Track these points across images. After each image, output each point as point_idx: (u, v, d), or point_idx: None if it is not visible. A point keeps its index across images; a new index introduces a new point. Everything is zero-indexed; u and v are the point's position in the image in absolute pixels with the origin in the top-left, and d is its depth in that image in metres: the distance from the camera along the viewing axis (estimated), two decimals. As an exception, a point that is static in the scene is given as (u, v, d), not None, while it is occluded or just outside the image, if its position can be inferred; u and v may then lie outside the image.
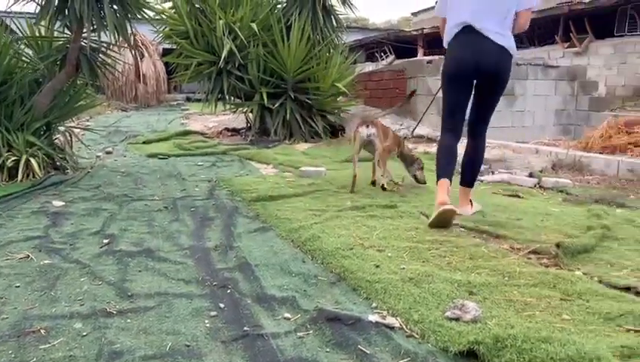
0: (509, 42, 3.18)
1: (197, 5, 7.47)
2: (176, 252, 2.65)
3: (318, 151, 6.46)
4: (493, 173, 5.39)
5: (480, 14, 3.15)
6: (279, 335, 1.74)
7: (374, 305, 1.97)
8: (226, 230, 3.04)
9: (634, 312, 1.80)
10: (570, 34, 13.67)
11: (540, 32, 15.17)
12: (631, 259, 2.46)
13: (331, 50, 7.84)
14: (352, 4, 7.79)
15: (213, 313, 1.91)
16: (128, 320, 1.85)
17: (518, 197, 4.21)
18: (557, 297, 2.00)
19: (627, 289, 2.10)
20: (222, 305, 1.98)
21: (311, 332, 1.76)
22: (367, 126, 4.19)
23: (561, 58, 13.78)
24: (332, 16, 7.88)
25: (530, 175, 5.06)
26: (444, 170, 3.32)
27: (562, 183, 4.57)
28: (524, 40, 15.76)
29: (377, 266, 2.33)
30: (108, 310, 1.92)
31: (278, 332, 1.76)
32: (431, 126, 7.49)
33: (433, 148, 6.75)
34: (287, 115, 7.21)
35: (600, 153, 5.84)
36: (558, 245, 2.55)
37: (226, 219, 3.27)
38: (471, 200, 3.50)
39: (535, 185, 4.64)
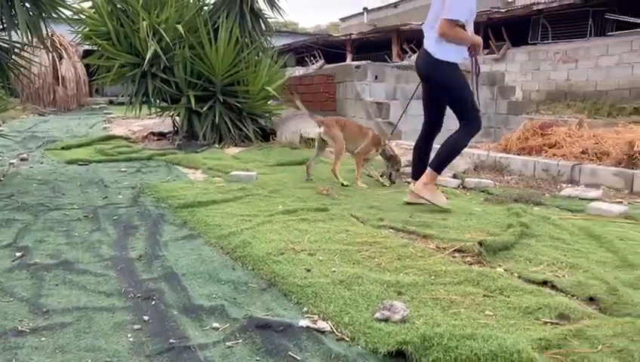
0: (432, 46, 3.55)
1: (118, 5, 7.17)
2: (97, 263, 2.51)
3: (249, 155, 6.39)
4: (420, 174, 5.55)
5: (425, 25, 3.71)
6: (207, 346, 1.68)
7: (305, 309, 1.96)
8: (151, 238, 2.92)
9: (550, 305, 1.90)
10: (490, 41, 14.40)
11: (461, 39, 15.86)
12: (547, 255, 2.60)
13: (260, 54, 7.79)
14: (280, 8, 7.79)
15: (136, 326, 1.82)
16: (42, 339, 1.72)
17: (444, 197, 4.36)
18: (480, 294, 2.07)
19: (544, 283, 2.21)
20: (146, 318, 1.89)
21: (240, 341, 1.72)
22: (319, 126, 4.66)
23: (482, 64, 14.44)
24: (260, 20, 7.84)
25: (454, 176, 5.25)
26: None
27: (484, 183, 4.78)
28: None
29: (308, 270, 2.32)
30: (20, 328, 1.79)
31: (205, 343, 1.70)
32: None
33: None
34: (217, 119, 7.07)
35: (518, 154, 6.17)
36: (480, 243, 2.65)
37: (151, 228, 3.14)
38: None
39: (459, 186, 4.82)
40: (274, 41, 8.60)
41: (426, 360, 1.49)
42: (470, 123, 3.68)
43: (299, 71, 20.02)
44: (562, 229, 3.14)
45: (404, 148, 6.73)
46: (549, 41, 13.44)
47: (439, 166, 3.74)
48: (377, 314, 1.83)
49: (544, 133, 6.61)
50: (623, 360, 1.52)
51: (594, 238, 2.93)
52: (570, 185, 4.91)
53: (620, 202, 4.13)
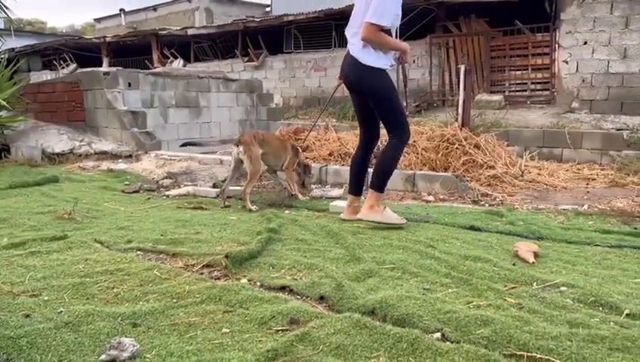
0: (358, 52, 3.36)
1: None
2: None
3: (-29, 179, 5.37)
4: (179, 186, 5.40)
5: (348, 30, 3.49)
6: None
7: (14, 367, 1.67)
8: None
9: (283, 312, 1.98)
10: (248, 49, 14.92)
11: (222, 45, 16.11)
12: (289, 258, 2.73)
13: (-16, 58, 6.65)
14: (3, 5, 6.73)
15: None
16: None
17: (202, 209, 4.30)
18: (221, 311, 2.05)
19: (282, 288, 2.31)
20: None
21: None
22: (237, 145, 4.28)
23: (243, 71, 14.92)
24: (-20, 18, 6.68)
25: (214, 185, 5.25)
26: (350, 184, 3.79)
27: (241, 191, 4.87)
28: (208, 53, 16.51)
29: (27, 316, 2.00)
30: None
31: None
32: (115, 141, 7.09)
33: (118, 165, 6.42)
34: None
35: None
36: (227, 256, 2.65)
37: None
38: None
39: (218, 195, 4.83)
40: (13, 42, 7.44)
41: (148, 401, 1.39)
42: (400, 134, 3.42)
43: (46, 75, 17.88)
44: (307, 230, 3.36)
45: (163, 159, 6.50)
46: (302, 50, 14.55)
47: (381, 186, 3.46)
48: (103, 357, 1.66)
49: (298, 138, 7.09)
50: (339, 357, 1.65)
51: (332, 236, 3.19)
52: (319, 185, 5.34)
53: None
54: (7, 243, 3.02)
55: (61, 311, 2.04)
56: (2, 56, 6.97)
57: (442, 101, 11.34)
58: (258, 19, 15.14)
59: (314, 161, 6.06)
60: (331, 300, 2.14)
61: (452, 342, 1.72)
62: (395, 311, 1.95)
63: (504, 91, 10.51)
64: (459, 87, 6.55)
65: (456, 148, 5.66)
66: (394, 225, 3.39)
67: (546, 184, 5.40)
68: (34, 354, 1.71)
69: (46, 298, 2.20)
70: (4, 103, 6.29)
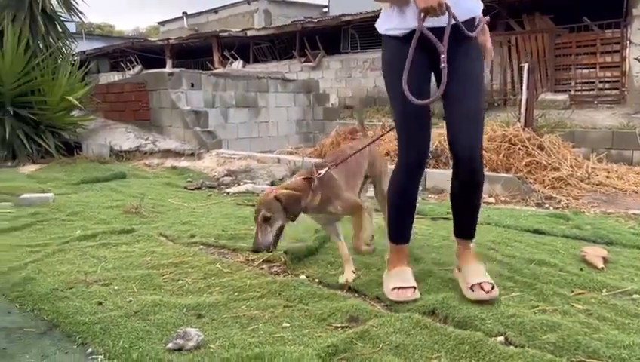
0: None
1: None
2: None
3: (48, 173, 5.72)
4: (239, 183, 5.53)
5: None
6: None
7: (90, 350, 1.77)
8: None
9: (342, 309, 1.99)
10: (305, 50, 15.06)
11: (281, 46, 16.35)
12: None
13: (59, 60, 7.05)
14: (78, 10, 7.13)
15: None
16: None
17: (260, 206, 4.38)
18: (281, 305, 2.09)
19: (341, 286, 2.32)
20: None
21: (4, 402, 1.48)
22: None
23: (300, 72, 15.07)
24: (56, 23, 7.09)
25: (272, 183, 5.34)
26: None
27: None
28: (267, 54, 16.80)
29: (100, 304, 2.12)
30: None
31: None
32: (178, 140, 7.35)
33: (181, 163, 6.65)
34: (7, 134, 6.21)
35: (331, 158, 6.51)
36: (286, 252, 2.69)
37: None
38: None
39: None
40: (85, 46, 7.88)
41: (213, 389, 1.44)
42: (399, 152, 2.24)
43: (114, 76, 18.75)
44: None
45: (224, 158, 6.67)
46: (359, 50, 14.53)
47: (389, 231, 2.34)
48: (170, 345, 1.73)
49: (353, 138, 7.08)
50: (399, 356, 1.64)
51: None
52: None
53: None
54: (80, 234, 3.19)
55: (130, 301, 2.15)
56: (75, 58, 7.38)
57: (504, 100, 11.01)
58: (316, 20, 15.25)
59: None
60: (389, 300, 2.13)
61: (516, 347, 1.67)
62: (456, 312, 1.92)
63: (569, 90, 10.08)
64: (521, 86, 6.34)
65: (519, 149, 5.48)
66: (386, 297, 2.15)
67: (615, 187, 5.13)
68: (107, 340, 1.81)
69: (116, 287, 2.32)
70: (77, 103, 6.66)
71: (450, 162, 2.42)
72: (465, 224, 2.22)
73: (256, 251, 2.20)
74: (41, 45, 6.69)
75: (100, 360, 1.69)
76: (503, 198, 4.54)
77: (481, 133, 2.11)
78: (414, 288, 2.12)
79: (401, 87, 1.95)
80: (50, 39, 6.86)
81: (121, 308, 2.07)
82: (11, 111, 6.30)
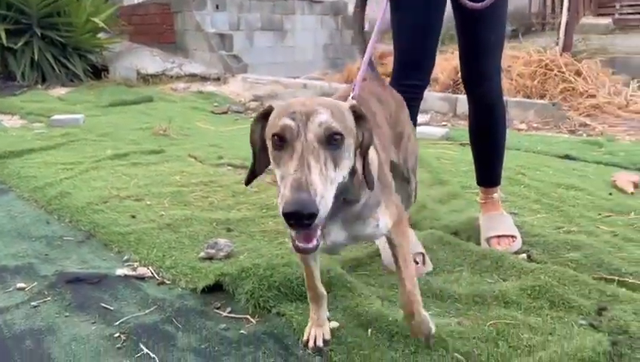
0: None
1: None
2: None
3: (77, 96, 5.79)
4: (265, 108, 5.52)
5: None
6: (9, 309, 1.54)
7: (126, 258, 1.87)
8: (-53, 198, 2.54)
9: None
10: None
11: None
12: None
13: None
14: None
15: None
16: None
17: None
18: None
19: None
20: None
21: (49, 298, 1.59)
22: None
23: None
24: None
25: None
26: None
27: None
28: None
29: (133, 216, 2.21)
30: None
31: (7, 306, 1.55)
32: (204, 63, 7.29)
33: (207, 87, 6.63)
34: (36, 56, 6.23)
35: (358, 84, 6.39)
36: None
37: (-52, 186, 2.73)
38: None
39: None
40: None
41: (242, 290, 1.52)
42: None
43: None
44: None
45: (250, 83, 6.62)
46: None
47: None
48: (201, 254, 1.81)
49: (383, 63, 6.91)
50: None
51: (416, 159, 3.16)
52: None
53: (445, 125, 4.52)
54: (111, 154, 3.27)
55: (162, 215, 2.23)
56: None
57: (542, 25, 10.45)
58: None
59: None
60: (412, 219, 2.15)
61: (538, 263, 1.69)
62: (479, 233, 1.94)
63: (613, 14, 9.49)
64: (562, 9, 6.00)
65: (555, 74, 5.26)
66: None
67: (654, 116, 4.94)
68: (141, 249, 1.90)
69: (148, 202, 2.40)
70: (103, 24, 6.60)
71: None
72: (487, 168, 1.99)
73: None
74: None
75: (135, 266, 1.78)
76: (535, 125, 4.44)
77: (498, 65, 1.87)
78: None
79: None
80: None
81: (153, 221, 2.15)
82: (39, 33, 6.29)
